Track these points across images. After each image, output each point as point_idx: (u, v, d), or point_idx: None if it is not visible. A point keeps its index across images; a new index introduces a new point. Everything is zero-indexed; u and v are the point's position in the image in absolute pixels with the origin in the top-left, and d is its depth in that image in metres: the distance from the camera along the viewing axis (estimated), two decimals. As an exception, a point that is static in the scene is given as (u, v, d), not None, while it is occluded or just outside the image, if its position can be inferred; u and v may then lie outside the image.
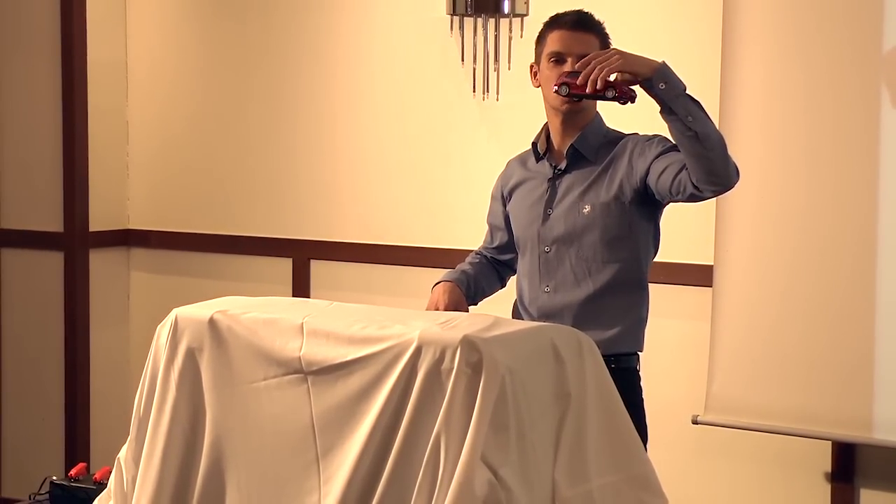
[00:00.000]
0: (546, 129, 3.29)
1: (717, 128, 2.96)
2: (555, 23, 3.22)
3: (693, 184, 2.94)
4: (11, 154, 5.27)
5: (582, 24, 3.19)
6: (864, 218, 3.84)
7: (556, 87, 3.09)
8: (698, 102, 2.92)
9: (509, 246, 3.40)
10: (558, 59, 3.17)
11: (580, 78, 2.97)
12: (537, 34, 3.27)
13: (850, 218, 3.86)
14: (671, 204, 3.18)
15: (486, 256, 3.46)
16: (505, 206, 3.38)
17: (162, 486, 2.84)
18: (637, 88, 2.96)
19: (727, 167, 2.92)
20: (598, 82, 2.92)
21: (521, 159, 3.37)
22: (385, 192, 4.80)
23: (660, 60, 2.92)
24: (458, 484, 2.44)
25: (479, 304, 3.40)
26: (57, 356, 5.22)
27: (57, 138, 5.15)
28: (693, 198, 3.01)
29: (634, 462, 2.69)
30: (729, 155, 2.93)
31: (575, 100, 3.10)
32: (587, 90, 2.95)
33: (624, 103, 3.00)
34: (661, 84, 2.89)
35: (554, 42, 3.19)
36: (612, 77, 2.94)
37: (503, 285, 3.48)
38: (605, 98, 2.99)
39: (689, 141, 2.89)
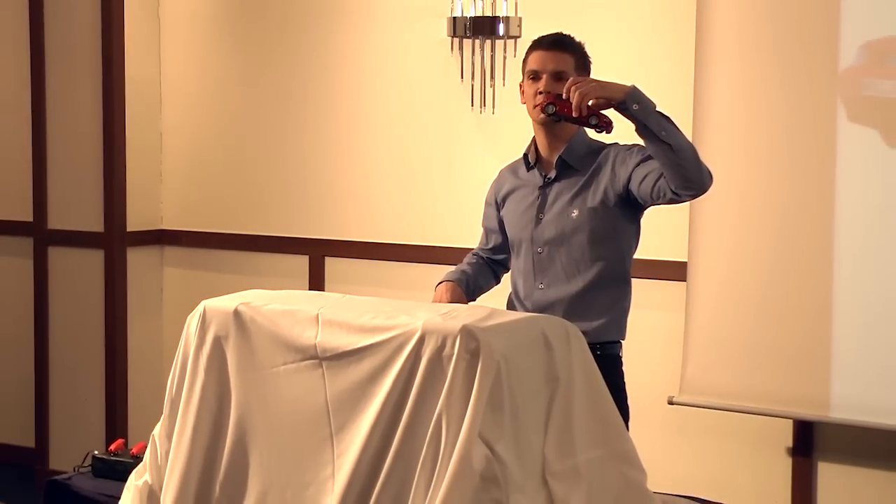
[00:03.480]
0: (534, 141, 3.27)
1: (689, 139, 2.94)
2: (535, 44, 3.21)
3: (671, 190, 2.94)
4: (57, 161, 5.26)
5: (556, 44, 3.18)
6: (822, 216, 3.83)
7: (542, 108, 3.09)
8: (668, 118, 2.90)
9: (503, 247, 3.38)
10: (534, 76, 3.16)
11: (566, 100, 2.95)
12: (523, 56, 3.26)
13: (808, 217, 3.86)
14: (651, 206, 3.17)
15: (482, 257, 3.45)
16: (499, 211, 3.36)
17: (192, 460, 2.85)
18: (612, 113, 2.94)
19: (700, 173, 2.91)
20: (583, 109, 2.91)
21: (512, 169, 3.35)
22: (392, 195, 4.79)
23: (629, 84, 2.90)
24: (458, 458, 2.44)
25: (477, 299, 3.39)
26: (98, 344, 5.21)
27: (98, 147, 5.14)
28: (672, 202, 3.00)
29: (617, 438, 2.69)
30: (701, 161, 2.92)
31: (556, 120, 3.09)
32: (573, 114, 2.94)
33: (600, 132, 3.00)
34: (635, 105, 2.86)
35: (532, 61, 3.18)
36: (590, 102, 2.90)
37: (498, 282, 3.47)
38: (588, 125, 2.99)
39: (664, 153, 2.88)
